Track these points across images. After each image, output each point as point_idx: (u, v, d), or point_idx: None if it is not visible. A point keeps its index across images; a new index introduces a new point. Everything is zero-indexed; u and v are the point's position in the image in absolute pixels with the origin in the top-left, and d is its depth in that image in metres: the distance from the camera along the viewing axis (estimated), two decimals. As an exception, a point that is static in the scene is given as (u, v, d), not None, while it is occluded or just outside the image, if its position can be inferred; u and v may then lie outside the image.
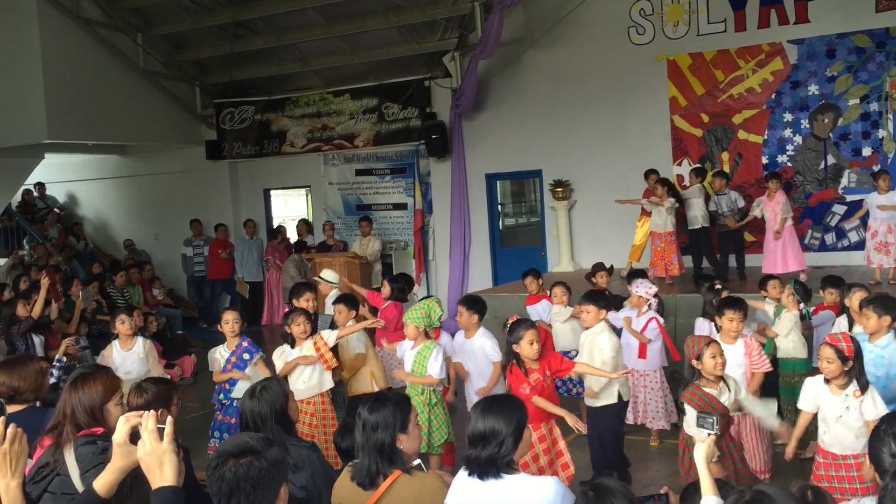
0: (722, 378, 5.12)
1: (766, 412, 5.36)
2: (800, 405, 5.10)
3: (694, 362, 5.11)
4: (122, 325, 7.17)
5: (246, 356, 6.58)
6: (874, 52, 11.04)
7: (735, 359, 5.68)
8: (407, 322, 6.21)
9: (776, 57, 11.55)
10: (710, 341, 5.16)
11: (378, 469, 3.28)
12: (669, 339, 7.47)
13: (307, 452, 3.65)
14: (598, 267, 9.14)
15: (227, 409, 6.55)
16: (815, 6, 11.26)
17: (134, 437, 2.49)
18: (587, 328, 6.22)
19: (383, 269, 13.71)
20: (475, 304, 6.51)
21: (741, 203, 10.77)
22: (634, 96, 12.38)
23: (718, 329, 6.15)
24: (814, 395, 4.95)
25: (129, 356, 7.12)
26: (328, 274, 8.73)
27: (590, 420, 6.10)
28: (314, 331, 6.72)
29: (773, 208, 10.12)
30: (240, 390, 6.61)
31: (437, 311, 6.32)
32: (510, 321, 5.57)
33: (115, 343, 7.20)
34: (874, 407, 4.67)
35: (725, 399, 5.07)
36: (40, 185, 16.94)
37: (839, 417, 4.74)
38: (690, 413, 5.05)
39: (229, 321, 6.68)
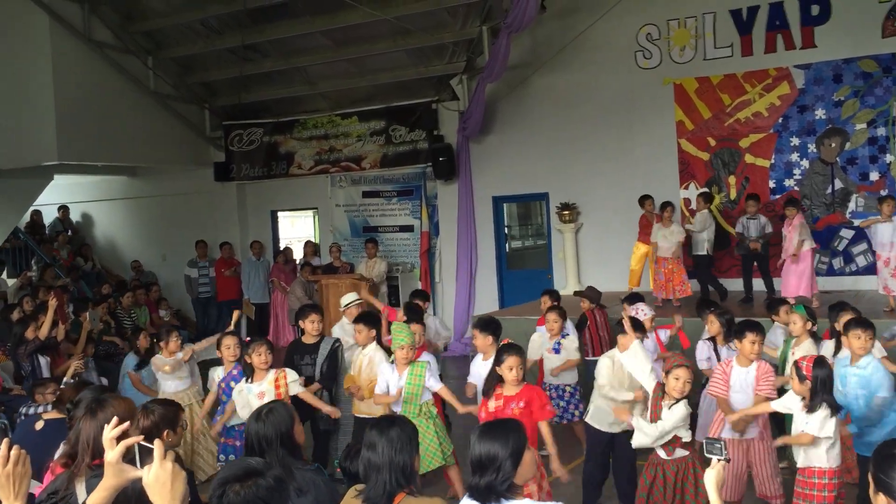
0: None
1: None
2: (773, 403, 5.45)
3: (664, 376, 5.23)
4: (174, 342, 7.67)
5: (233, 384, 6.60)
6: (881, 77, 11.06)
7: (748, 381, 5.69)
8: (404, 345, 6.19)
9: (783, 81, 11.59)
10: (683, 364, 5.21)
11: (395, 489, 3.26)
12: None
13: (312, 476, 3.63)
14: (582, 293, 9.00)
15: (230, 432, 6.57)
16: (822, 31, 11.31)
17: (124, 456, 2.48)
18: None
19: (389, 291, 13.74)
20: (488, 325, 6.57)
21: (770, 228, 10.70)
22: (641, 120, 12.43)
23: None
24: (788, 402, 5.28)
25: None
26: (349, 297, 8.44)
27: (604, 446, 6.13)
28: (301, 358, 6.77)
29: (791, 232, 10.03)
30: (232, 417, 6.69)
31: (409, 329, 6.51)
32: (503, 343, 5.71)
33: (159, 356, 7.64)
34: (811, 424, 4.96)
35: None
36: (64, 209, 17.06)
37: (801, 433, 5.07)
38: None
39: (230, 346, 6.78)
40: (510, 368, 5.35)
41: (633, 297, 8.32)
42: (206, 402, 7.01)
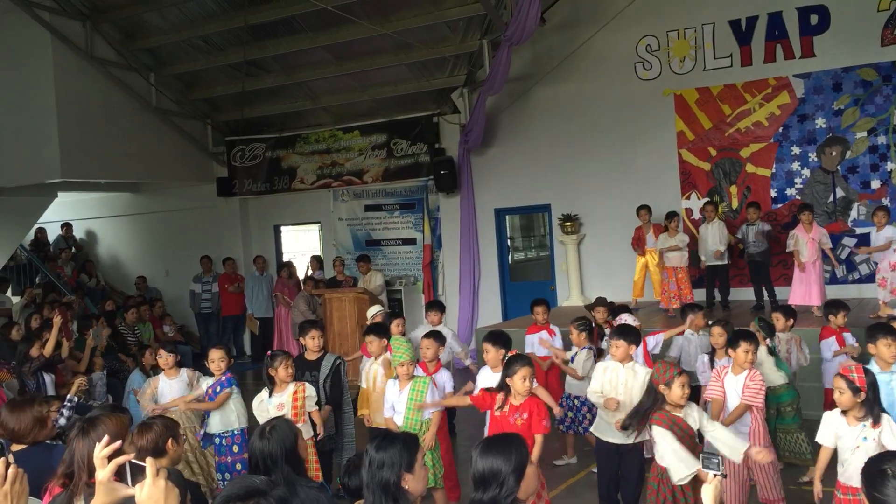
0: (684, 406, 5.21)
1: (728, 448, 5.11)
2: (818, 439, 5.08)
3: (661, 388, 5.15)
4: (161, 359, 7.34)
5: (219, 388, 6.68)
6: (881, 85, 11.08)
7: (737, 389, 5.84)
8: (407, 362, 6.22)
9: (783, 91, 11.61)
10: (682, 371, 5.20)
11: None
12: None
13: (315, 494, 3.62)
14: (600, 302, 9.04)
15: (220, 450, 6.62)
16: (821, 41, 11.33)
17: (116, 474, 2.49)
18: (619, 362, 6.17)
19: (391, 304, 13.75)
20: (500, 339, 6.48)
21: (767, 227, 10.85)
22: (642, 131, 12.45)
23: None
24: (832, 428, 4.96)
25: (175, 384, 7.28)
26: (374, 309, 9.21)
27: (611, 457, 6.09)
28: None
29: (813, 241, 9.99)
30: (213, 425, 6.73)
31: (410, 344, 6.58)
32: (509, 355, 5.72)
33: (161, 374, 7.38)
34: (893, 437, 4.67)
35: (692, 421, 5.13)
36: (67, 226, 17.11)
37: (856, 448, 4.74)
38: (662, 444, 5.07)
39: (215, 360, 6.83)
40: (524, 378, 5.37)
41: (619, 309, 8.43)
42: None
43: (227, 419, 6.74)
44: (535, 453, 5.25)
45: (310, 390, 6.30)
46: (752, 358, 5.90)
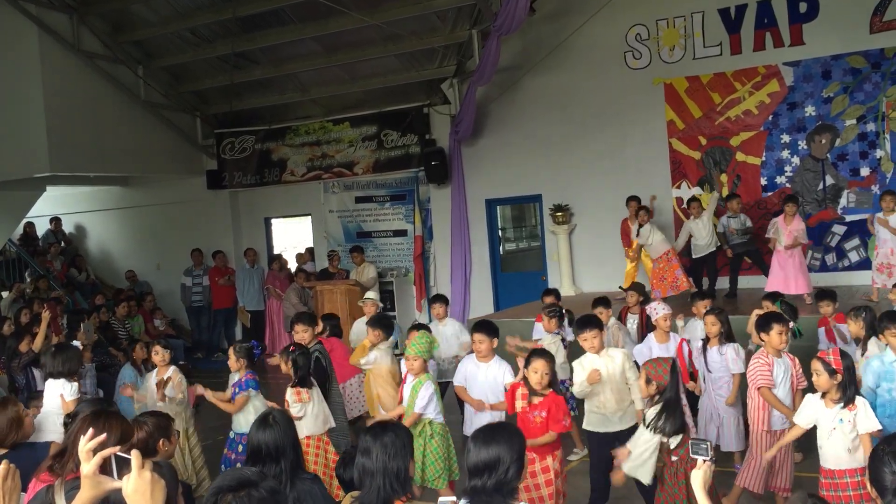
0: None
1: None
2: (796, 419, 5.23)
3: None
4: (157, 355, 7.19)
5: (237, 389, 6.63)
6: (870, 72, 11.10)
7: (785, 374, 5.86)
8: (418, 356, 6.08)
9: (772, 79, 11.62)
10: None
11: (389, 495, 3.25)
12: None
13: (309, 486, 3.64)
14: (633, 287, 9.13)
15: (231, 444, 6.58)
16: (810, 28, 11.34)
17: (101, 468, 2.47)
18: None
19: (383, 297, 13.71)
20: (492, 328, 6.48)
21: (749, 223, 10.85)
22: (632, 120, 12.45)
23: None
24: (812, 410, 5.06)
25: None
26: (373, 294, 9.15)
27: (608, 447, 6.02)
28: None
29: (791, 233, 10.05)
30: (239, 424, 6.66)
31: (436, 342, 6.42)
32: (535, 348, 5.74)
33: (153, 372, 7.22)
34: (867, 419, 4.81)
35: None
36: (56, 220, 17.02)
37: (833, 430, 4.87)
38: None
39: (231, 356, 6.84)
40: (535, 371, 5.36)
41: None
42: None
43: (247, 420, 6.49)
44: (539, 441, 5.26)
45: (291, 399, 6.23)
46: (787, 339, 5.93)
